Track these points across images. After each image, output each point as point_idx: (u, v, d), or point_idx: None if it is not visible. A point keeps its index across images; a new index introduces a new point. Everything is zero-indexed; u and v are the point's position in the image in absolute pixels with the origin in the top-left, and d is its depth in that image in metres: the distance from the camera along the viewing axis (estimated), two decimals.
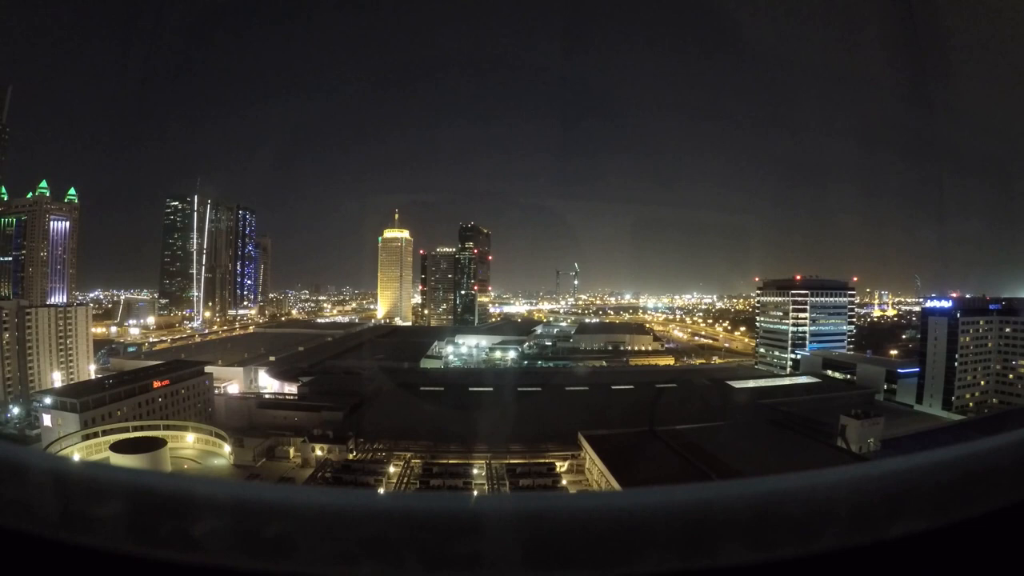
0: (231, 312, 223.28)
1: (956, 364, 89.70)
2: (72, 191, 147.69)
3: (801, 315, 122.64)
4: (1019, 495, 2.06)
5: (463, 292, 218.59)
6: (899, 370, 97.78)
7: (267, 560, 1.80)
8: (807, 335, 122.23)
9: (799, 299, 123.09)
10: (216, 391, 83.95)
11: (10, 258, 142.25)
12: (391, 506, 1.99)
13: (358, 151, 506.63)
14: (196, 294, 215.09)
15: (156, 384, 73.09)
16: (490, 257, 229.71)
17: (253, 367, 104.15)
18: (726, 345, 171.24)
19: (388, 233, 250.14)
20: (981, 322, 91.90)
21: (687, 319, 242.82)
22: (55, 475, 2.00)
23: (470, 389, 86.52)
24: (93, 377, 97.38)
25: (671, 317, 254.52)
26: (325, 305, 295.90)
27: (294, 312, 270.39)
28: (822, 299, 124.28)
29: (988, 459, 2.21)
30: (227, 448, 61.38)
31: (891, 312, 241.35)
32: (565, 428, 62.98)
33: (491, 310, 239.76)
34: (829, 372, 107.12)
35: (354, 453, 62.15)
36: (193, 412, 74.73)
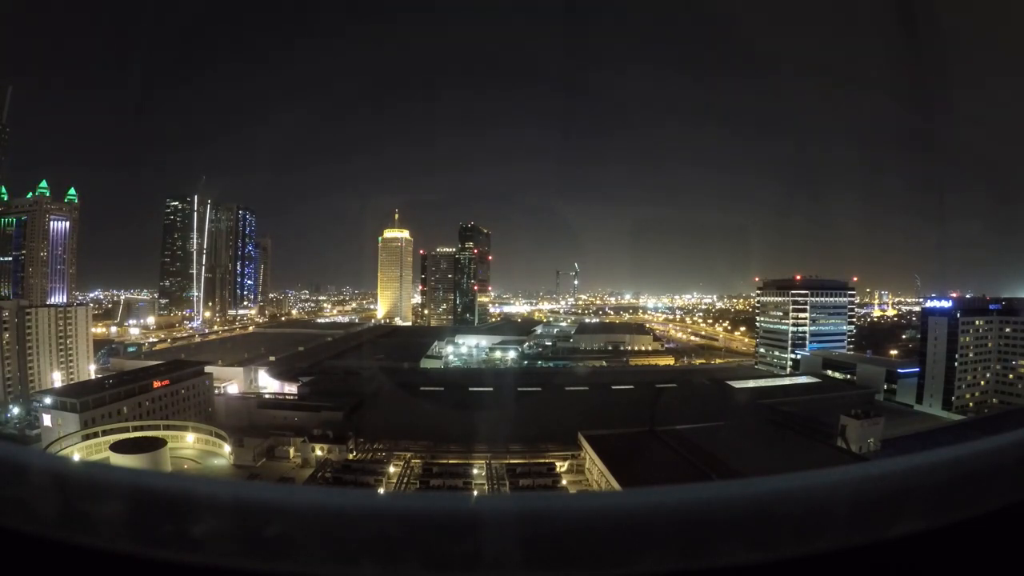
0: (231, 312, 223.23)
1: (956, 364, 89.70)
2: (72, 191, 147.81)
3: (801, 315, 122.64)
4: (1019, 495, 2.06)
5: (463, 292, 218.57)
6: (899, 370, 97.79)
7: (267, 560, 1.79)
8: (807, 335, 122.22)
9: (799, 299, 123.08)
10: (216, 391, 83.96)
11: (10, 258, 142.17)
12: (391, 506, 1.99)
13: (358, 151, 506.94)
14: (196, 294, 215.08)
15: (156, 384, 73.10)
16: (490, 257, 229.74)
17: (253, 367, 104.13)
18: (726, 345, 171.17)
19: (388, 233, 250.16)
20: (981, 322, 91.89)
21: (687, 319, 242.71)
22: (55, 475, 2.00)
23: (470, 389, 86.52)
24: (93, 377, 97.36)
25: (671, 317, 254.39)
26: (325, 305, 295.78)
27: (294, 312, 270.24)
28: (822, 299, 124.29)
29: (988, 459, 2.21)
30: (227, 448, 61.38)
31: (891, 312, 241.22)
32: (565, 428, 62.97)
33: (491, 310, 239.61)
34: (829, 372, 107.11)
35: (354, 453, 62.15)
36: (193, 412, 74.70)
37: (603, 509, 1.93)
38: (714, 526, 1.87)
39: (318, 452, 61.36)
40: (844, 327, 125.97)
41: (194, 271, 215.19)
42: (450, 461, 60.03)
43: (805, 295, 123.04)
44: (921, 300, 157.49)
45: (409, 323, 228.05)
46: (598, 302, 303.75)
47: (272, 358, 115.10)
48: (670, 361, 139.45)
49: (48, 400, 69.84)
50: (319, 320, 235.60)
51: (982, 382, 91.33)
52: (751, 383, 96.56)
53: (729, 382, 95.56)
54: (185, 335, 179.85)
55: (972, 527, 2.00)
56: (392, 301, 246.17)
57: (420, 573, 1.78)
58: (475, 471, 56.49)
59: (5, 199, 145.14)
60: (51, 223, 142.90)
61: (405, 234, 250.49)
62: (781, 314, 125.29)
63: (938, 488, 2.06)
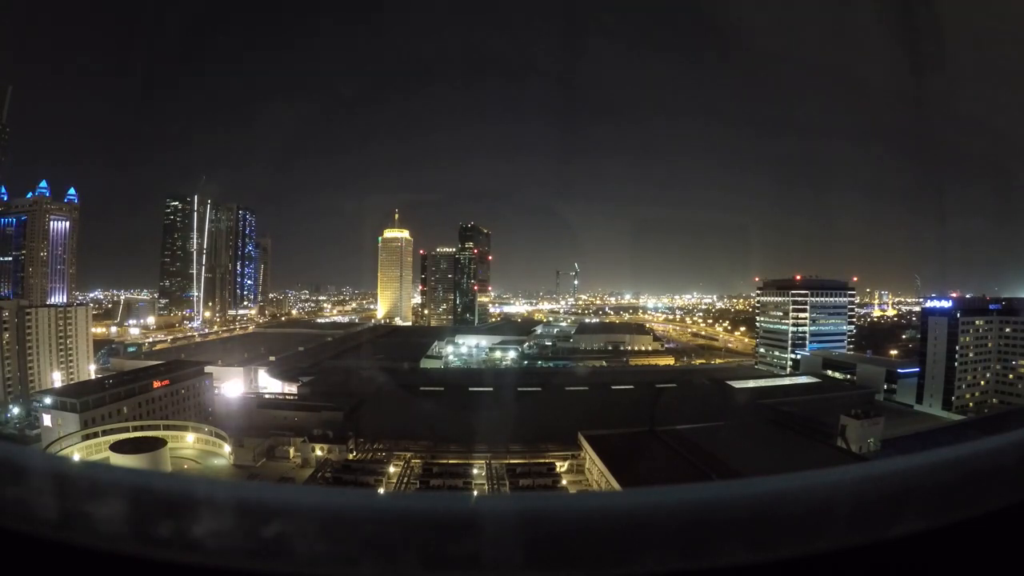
0: (231, 312, 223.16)
1: (956, 364, 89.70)
2: (72, 191, 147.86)
3: (801, 315, 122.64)
4: (1019, 495, 2.06)
5: (463, 292, 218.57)
6: (899, 370, 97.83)
7: (267, 560, 1.79)
8: (807, 335, 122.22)
9: (799, 299, 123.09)
10: (216, 391, 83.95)
11: (10, 258, 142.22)
12: (391, 506, 1.99)
13: (358, 151, 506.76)
14: (196, 294, 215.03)
15: (156, 384, 73.05)
16: (490, 257, 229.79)
17: (253, 367, 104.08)
18: (726, 345, 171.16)
19: (388, 233, 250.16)
20: (981, 322, 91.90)
21: (687, 319, 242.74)
22: (55, 475, 2.00)
23: (470, 389, 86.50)
24: (93, 377, 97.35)
25: (671, 317, 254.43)
26: (325, 305, 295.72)
27: (294, 312, 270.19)
28: (822, 299, 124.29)
29: (988, 459, 2.21)
30: (227, 448, 61.35)
31: (891, 312, 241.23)
32: (565, 428, 62.95)
33: (491, 310, 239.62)
34: (829, 372, 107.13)
35: (354, 453, 62.15)
36: (193, 412, 74.69)
37: (603, 509, 1.93)
38: (714, 526, 1.87)
39: (318, 452, 61.34)
40: (844, 327, 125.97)
41: (194, 271, 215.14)
42: (450, 461, 60.01)
43: (805, 295, 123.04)
44: (921, 300, 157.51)
45: (409, 323, 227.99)
46: (598, 302, 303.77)
47: (272, 358, 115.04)
48: (670, 361, 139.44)
49: (48, 400, 69.79)
50: (319, 320, 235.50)
51: (982, 382, 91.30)
52: (751, 383, 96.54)
53: (729, 382, 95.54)
54: (185, 335, 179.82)
55: (972, 527, 2.00)
56: (392, 301, 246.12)
57: (420, 573, 1.78)
58: (475, 471, 56.47)
59: (5, 199, 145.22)
60: (51, 223, 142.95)
61: (405, 234, 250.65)
62: (781, 314, 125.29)
63: (938, 488, 2.06)
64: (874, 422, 64.85)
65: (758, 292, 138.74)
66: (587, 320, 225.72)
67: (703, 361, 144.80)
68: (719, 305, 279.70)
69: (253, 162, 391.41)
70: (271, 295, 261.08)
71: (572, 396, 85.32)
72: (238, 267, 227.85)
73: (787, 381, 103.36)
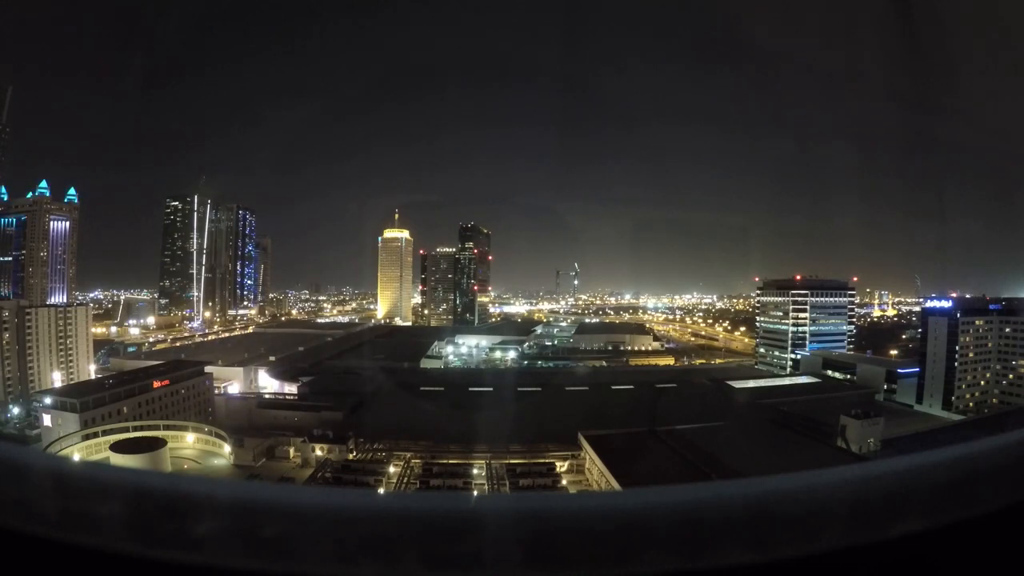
0: (231, 312, 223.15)
1: (956, 364, 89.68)
2: (72, 191, 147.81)
3: (801, 315, 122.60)
4: (1019, 495, 2.06)
5: (463, 292, 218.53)
6: (899, 370, 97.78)
7: (267, 560, 1.79)
8: (807, 335, 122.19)
9: (799, 299, 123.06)
10: (216, 391, 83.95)
11: (10, 258, 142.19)
12: (391, 506, 1.99)
13: (359, 151, 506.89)
14: (196, 294, 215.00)
15: (156, 384, 73.10)
16: (490, 257, 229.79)
17: (253, 367, 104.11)
18: (726, 345, 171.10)
19: (388, 233, 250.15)
20: (981, 322, 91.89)
21: (687, 319, 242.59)
22: (55, 475, 2.00)
23: (470, 389, 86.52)
24: (93, 377, 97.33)
25: (671, 317, 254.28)
26: (325, 305, 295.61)
27: (294, 312, 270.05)
28: (822, 299, 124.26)
29: (988, 459, 2.21)
30: (227, 448, 61.36)
31: (891, 312, 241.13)
32: (565, 428, 62.94)
33: (491, 310, 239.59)
34: (829, 372, 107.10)
35: (354, 453, 62.13)
36: (193, 412, 74.69)
37: (603, 509, 1.93)
38: (714, 526, 1.87)
39: (318, 452, 61.33)
40: (844, 327, 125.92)
41: (194, 271, 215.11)
42: (450, 461, 59.98)
43: (805, 295, 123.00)
44: (921, 300, 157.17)
45: (409, 323, 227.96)
46: (598, 302, 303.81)
47: (272, 358, 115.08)
48: (670, 361, 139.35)
49: (48, 400, 69.83)
50: (319, 320, 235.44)
51: (982, 382, 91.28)
52: (751, 383, 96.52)
53: (729, 382, 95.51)
54: (185, 335, 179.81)
55: (972, 527, 2.00)
56: (392, 301, 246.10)
57: (420, 573, 1.78)
58: (475, 471, 56.44)
59: (5, 199, 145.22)
60: (51, 223, 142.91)
61: (405, 234, 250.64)
62: (781, 314, 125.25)
63: (938, 488, 2.06)
64: (874, 422, 64.88)
65: (758, 292, 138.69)
66: (587, 320, 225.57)
67: (703, 361, 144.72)
68: (719, 305, 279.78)
69: (254, 163, 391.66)
70: (271, 295, 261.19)
71: (572, 396, 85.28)
72: (238, 267, 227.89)
73: (787, 381, 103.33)
